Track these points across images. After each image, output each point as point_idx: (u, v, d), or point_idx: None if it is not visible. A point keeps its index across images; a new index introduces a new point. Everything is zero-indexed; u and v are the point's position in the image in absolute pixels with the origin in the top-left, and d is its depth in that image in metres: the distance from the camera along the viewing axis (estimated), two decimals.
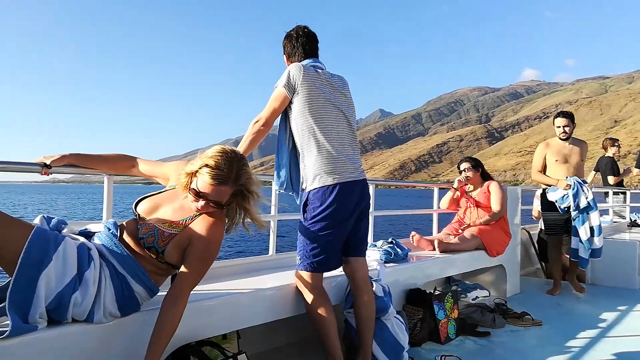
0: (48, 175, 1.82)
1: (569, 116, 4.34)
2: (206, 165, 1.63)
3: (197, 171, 1.65)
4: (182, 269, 1.64)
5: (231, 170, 1.65)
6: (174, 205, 1.75)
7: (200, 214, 1.71)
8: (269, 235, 2.80)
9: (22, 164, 1.81)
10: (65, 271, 1.47)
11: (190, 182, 1.67)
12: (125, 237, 1.69)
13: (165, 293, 1.61)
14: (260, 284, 2.26)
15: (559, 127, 4.33)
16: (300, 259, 2.21)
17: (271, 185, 2.40)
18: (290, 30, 2.38)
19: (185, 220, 1.70)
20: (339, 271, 2.57)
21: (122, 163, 1.99)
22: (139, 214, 1.75)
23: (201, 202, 1.65)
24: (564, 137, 4.29)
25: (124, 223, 1.77)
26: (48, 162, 1.78)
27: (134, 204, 1.79)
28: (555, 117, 4.43)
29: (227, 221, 1.78)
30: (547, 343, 2.91)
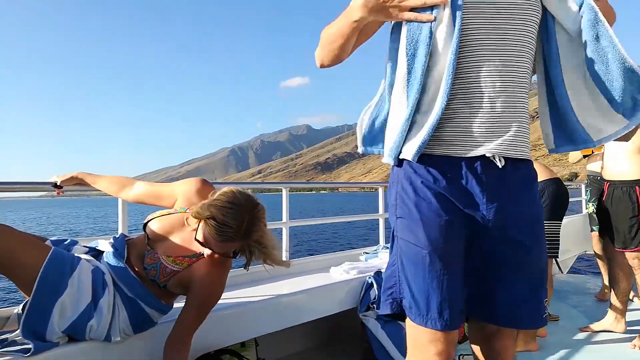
0: (62, 193, 1.93)
1: None
2: (213, 218, 1.50)
3: (205, 218, 1.52)
4: (183, 312, 1.57)
5: (240, 225, 1.51)
6: (184, 236, 1.64)
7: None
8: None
9: (36, 183, 1.95)
10: (80, 298, 1.46)
11: (198, 226, 1.56)
12: (133, 258, 1.63)
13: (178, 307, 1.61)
14: (276, 290, 2.28)
15: None
16: None
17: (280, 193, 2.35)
18: None
19: (191, 258, 1.61)
20: (353, 274, 2.59)
21: (124, 187, 1.86)
22: (148, 236, 1.67)
23: (207, 252, 1.55)
24: None
25: (133, 238, 1.72)
26: (58, 182, 1.87)
27: (144, 222, 1.70)
28: None
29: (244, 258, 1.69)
30: (565, 338, 2.88)
